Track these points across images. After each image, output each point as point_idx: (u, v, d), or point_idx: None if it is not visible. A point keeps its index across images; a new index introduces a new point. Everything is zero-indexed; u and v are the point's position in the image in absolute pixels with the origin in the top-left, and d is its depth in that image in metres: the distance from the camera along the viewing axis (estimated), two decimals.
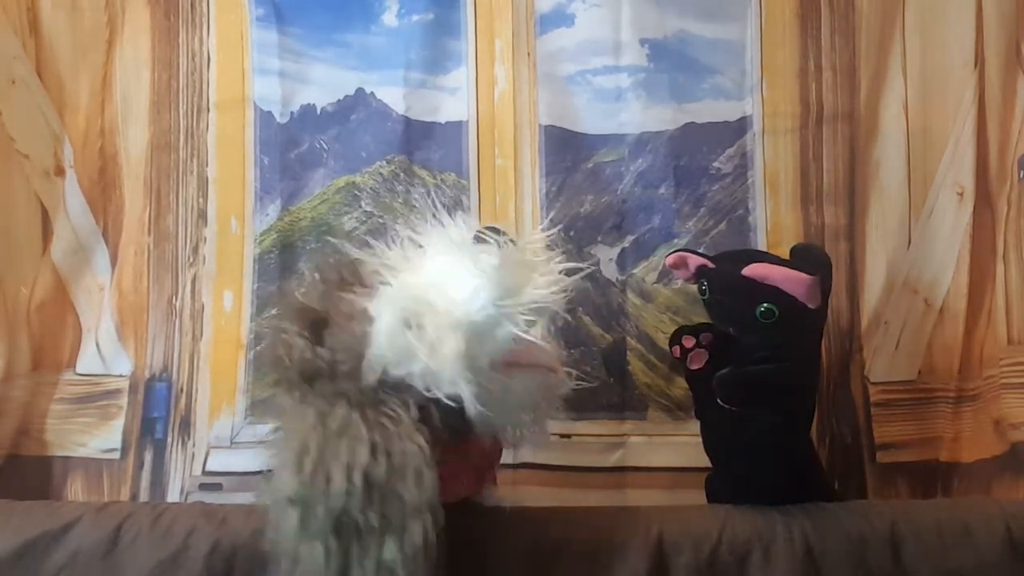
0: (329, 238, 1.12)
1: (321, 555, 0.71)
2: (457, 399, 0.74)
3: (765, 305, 0.87)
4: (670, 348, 0.97)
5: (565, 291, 0.80)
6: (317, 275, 0.84)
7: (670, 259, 0.95)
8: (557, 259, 0.82)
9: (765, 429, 0.90)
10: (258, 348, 1.12)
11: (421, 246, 0.81)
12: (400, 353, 0.75)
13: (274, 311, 0.92)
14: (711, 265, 0.93)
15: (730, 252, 0.98)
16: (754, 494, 0.93)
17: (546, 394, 0.82)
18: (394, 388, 0.76)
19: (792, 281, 0.87)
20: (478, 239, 0.78)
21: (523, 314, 0.75)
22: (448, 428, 0.77)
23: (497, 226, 0.79)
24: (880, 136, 1.14)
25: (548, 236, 0.85)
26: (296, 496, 0.71)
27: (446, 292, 0.75)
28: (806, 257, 0.96)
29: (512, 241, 0.79)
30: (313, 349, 0.77)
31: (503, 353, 0.76)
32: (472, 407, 0.74)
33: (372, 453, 0.71)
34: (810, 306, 0.88)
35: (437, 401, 0.75)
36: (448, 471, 0.77)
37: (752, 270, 0.88)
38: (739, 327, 0.91)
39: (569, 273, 0.81)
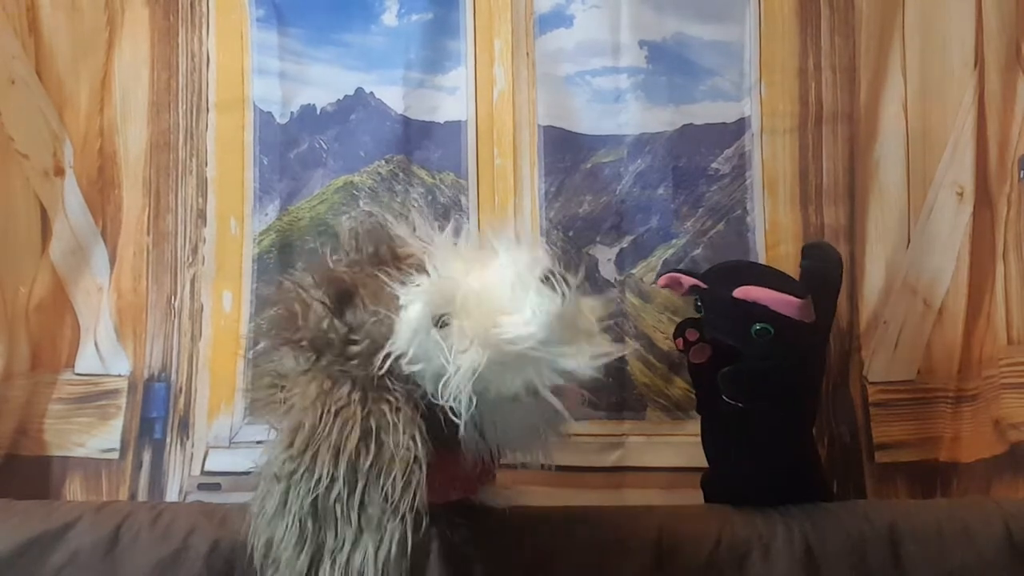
0: (377, 209, 1.11)
1: (295, 536, 0.69)
2: (456, 412, 0.70)
3: (759, 325, 0.87)
4: (673, 340, 0.97)
5: (599, 371, 0.72)
6: (354, 242, 0.80)
7: (662, 280, 0.94)
8: (607, 338, 0.76)
9: (767, 425, 0.90)
10: (269, 300, 1.00)
11: (489, 249, 0.76)
12: (419, 351, 0.71)
13: (299, 269, 0.86)
14: (703, 285, 0.91)
15: (721, 268, 0.96)
16: (753, 492, 0.93)
17: (551, 427, 0.77)
18: (402, 380, 0.73)
19: (782, 304, 0.86)
20: (546, 279, 0.71)
21: (554, 372, 0.71)
22: (444, 435, 0.73)
23: (568, 276, 0.72)
24: (880, 136, 1.14)
25: (606, 319, 0.78)
26: (282, 472, 0.70)
27: (493, 308, 0.71)
28: (818, 255, 0.95)
29: (573, 296, 0.72)
30: (331, 320, 0.73)
31: (511, 393, 0.71)
32: (464, 425, 0.71)
33: (363, 440, 0.69)
34: (806, 322, 0.88)
35: (440, 405, 0.72)
36: (439, 475, 0.75)
37: (742, 293, 0.87)
38: (737, 342, 0.90)
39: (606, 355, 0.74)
